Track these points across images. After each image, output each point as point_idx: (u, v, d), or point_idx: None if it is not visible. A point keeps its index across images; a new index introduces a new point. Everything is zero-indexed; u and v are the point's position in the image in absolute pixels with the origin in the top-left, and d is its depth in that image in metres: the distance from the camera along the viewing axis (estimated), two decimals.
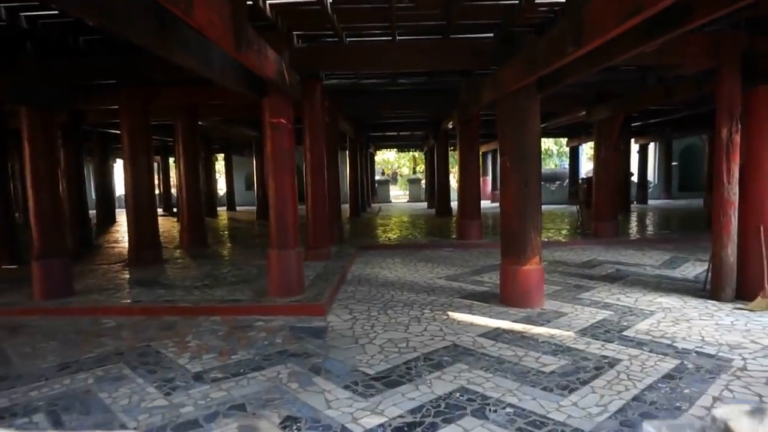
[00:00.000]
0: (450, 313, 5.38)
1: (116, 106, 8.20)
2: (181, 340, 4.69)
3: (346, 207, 16.74)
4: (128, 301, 5.82)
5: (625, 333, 4.62)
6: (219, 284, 6.62)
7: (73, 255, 9.59)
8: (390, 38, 6.28)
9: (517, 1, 5.08)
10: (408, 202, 26.29)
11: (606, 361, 3.97)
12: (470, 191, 10.36)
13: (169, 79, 7.51)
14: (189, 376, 3.87)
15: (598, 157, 10.12)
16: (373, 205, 23.28)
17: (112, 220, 15.97)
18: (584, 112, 10.67)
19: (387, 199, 27.00)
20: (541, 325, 4.92)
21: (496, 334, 4.67)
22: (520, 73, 4.80)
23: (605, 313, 5.26)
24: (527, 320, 5.07)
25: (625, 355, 4.07)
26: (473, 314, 5.33)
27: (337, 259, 8.27)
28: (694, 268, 7.35)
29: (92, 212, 17.02)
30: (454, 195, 17.43)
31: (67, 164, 10.68)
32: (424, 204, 22.55)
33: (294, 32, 6.08)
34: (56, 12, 5.15)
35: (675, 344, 4.29)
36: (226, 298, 5.84)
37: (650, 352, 4.14)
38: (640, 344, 4.31)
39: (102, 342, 4.70)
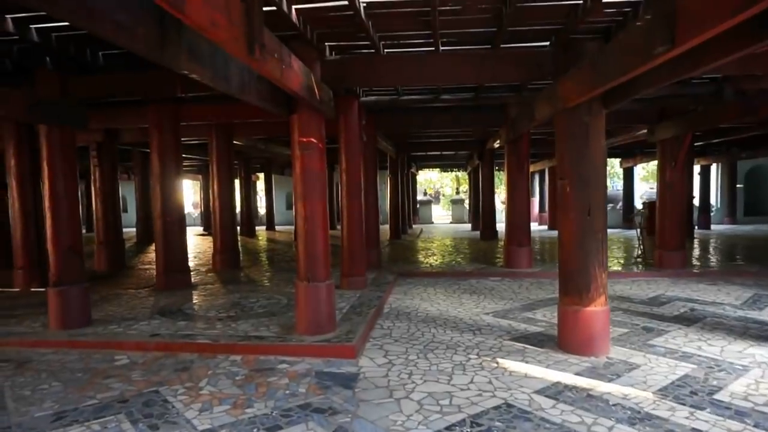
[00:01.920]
0: (500, 361, 4.65)
1: (146, 125, 7.90)
2: (194, 386, 4.15)
3: (386, 228, 16.18)
4: (145, 335, 5.35)
5: (717, 396, 3.77)
6: (245, 316, 6.10)
7: (104, 276, 9.40)
8: (432, 48, 5.69)
9: (580, 1, 4.40)
10: (451, 223, 25.51)
11: None
12: (519, 215, 9.58)
13: (198, 95, 7.14)
14: None
15: (662, 180, 9.16)
16: (414, 226, 22.65)
17: (151, 240, 15.89)
18: (646, 131, 9.76)
19: (429, 220, 26.32)
20: (610, 380, 4.13)
21: (556, 391, 3.92)
22: (584, 84, 4.10)
23: (687, 366, 4.42)
24: (592, 373, 4.29)
25: (724, 430, 3.26)
26: (527, 362, 4.59)
27: (373, 287, 7.66)
28: None
29: (132, 230, 17.17)
30: (499, 217, 16.66)
31: (102, 183, 10.56)
32: (468, 226, 21.75)
33: (326, 43, 5.58)
34: (68, 24, 4.80)
35: None
36: (249, 333, 5.30)
37: (755, 427, 3.29)
38: (740, 414, 3.47)
39: (108, 385, 4.21)
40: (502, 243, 13.23)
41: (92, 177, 10.97)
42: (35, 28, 5.04)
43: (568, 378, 4.19)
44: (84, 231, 19.38)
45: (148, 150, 9.41)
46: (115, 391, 4.09)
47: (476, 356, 4.78)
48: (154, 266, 8.50)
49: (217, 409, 3.70)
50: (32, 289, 8.15)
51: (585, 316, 4.72)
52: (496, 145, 11.29)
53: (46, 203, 5.64)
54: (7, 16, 4.72)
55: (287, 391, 4.01)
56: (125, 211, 23.65)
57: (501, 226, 15.85)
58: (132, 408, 3.75)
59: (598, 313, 4.72)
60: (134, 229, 16.90)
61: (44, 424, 3.53)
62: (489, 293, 7.72)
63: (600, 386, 4.00)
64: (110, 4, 2.50)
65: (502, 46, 5.50)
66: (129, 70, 6.22)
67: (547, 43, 5.54)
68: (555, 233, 16.93)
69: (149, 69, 6.17)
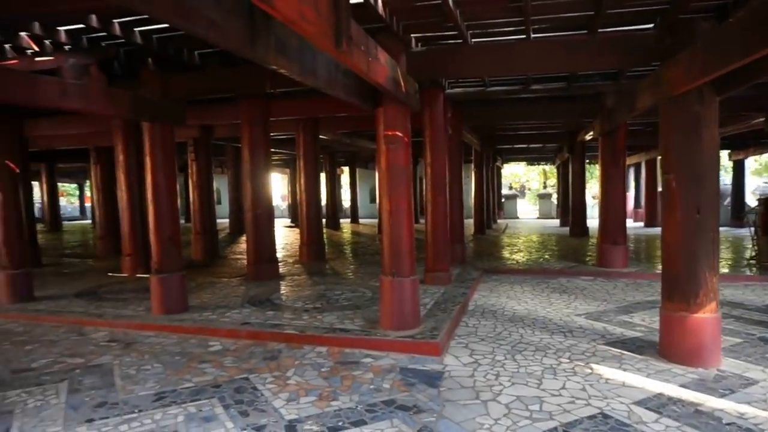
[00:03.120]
0: (594, 366, 4.36)
1: (238, 121, 8.22)
2: (281, 375, 4.25)
3: (469, 223, 15.90)
4: (236, 322, 5.57)
5: None
6: (330, 308, 6.19)
7: (200, 265, 9.95)
8: (523, 36, 5.42)
9: None
10: (537, 218, 24.66)
11: None
12: (614, 211, 9.00)
13: (287, 91, 7.31)
14: (282, 425, 3.37)
15: None
16: (499, 221, 22.12)
17: (242, 231, 16.65)
18: (763, 119, 8.82)
19: (514, 215, 25.60)
20: (723, 395, 3.73)
21: (659, 404, 3.60)
22: (695, 68, 3.72)
23: None
24: (701, 386, 3.90)
25: None
26: (625, 370, 4.26)
27: (457, 283, 7.52)
28: None
29: (225, 221, 18.08)
30: (590, 212, 15.85)
31: (198, 177, 11.16)
32: (556, 222, 20.90)
33: (411, 35, 5.48)
34: (167, 26, 5.06)
35: None
36: (335, 326, 5.36)
37: None
38: None
39: (202, 369, 4.41)
40: (593, 240, 12.58)
41: (189, 171, 11.64)
42: (139, 31, 5.36)
43: (672, 390, 3.84)
44: (183, 222, 20.71)
45: (240, 144, 9.84)
46: (209, 375, 4.27)
47: (568, 360, 4.53)
48: (245, 256, 8.87)
49: (303, 400, 3.76)
50: (137, 275, 8.78)
51: (692, 323, 4.31)
52: (589, 137, 10.71)
53: (149, 195, 6.02)
54: (114, 20, 5.05)
55: (372, 386, 4.00)
56: (219, 203, 25.01)
57: (592, 222, 15.14)
58: (224, 393, 3.89)
59: (707, 320, 4.30)
60: (227, 221, 17.78)
61: (147, 403, 3.75)
62: (580, 293, 7.32)
63: (710, 401, 3.64)
64: (204, 3, 2.56)
65: (600, 30, 5.14)
66: (222, 68, 6.48)
67: (651, 26, 5.11)
68: (652, 231, 15.92)
69: (241, 66, 6.41)
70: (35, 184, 22.43)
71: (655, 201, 17.98)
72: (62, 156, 17.98)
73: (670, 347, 4.48)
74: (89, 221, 27.75)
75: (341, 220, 21.33)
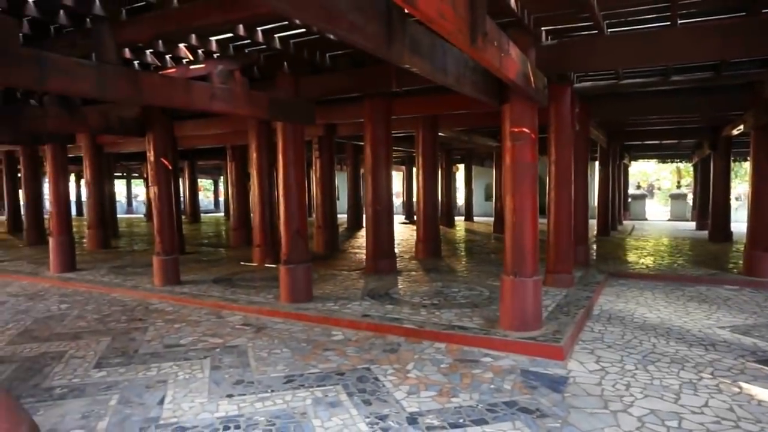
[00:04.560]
0: (744, 385, 3.94)
1: (361, 119, 8.48)
2: (401, 368, 4.34)
3: (593, 223, 15.05)
4: (357, 314, 5.77)
5: None
6: (447, 305, 6.19)
7: (322, 257, 10.43)
8: (668, 23, 5.01)
9: None
10: (669, 220, 22.71)
11: None
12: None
13: (408, 89, 7.41)
14: (403, 416, 3.44)
15: None
16: (625, 222, 20.69)
17: (360, 226, 17.21)
18: None
19: (642, 216, 23.80)
20: None
21: None
22: None
23: None
24: None
25: None
26: None
27: (581, 286, 7.16)
28: None
29: (343, 216, 18.77)
30: (733, 215, 14.28)
31: (321, 173, 11.70)
32: (691, 225, 19.09)
33: (542, 27, 5.29)
34: (304, 30, 5.35)
35: None
36: (453, 323, 5.35)
37: None
38: None
39: (327, 357, 4.63)
40: (738, 246, 11.34)
41: (313, 168, 12.25)
42: (278, 36, 5.74)
43: None
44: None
45: (361, 143, 10.20)
46: (333, 363, 4.47)
47: (710, 376, 4.13)
48: (364, 250, 9.14)
49: (423, 394, 3.80)
50: (266, 265, 9.41)
51: None
52: (737, 131, 9.62)
53: (280, 191, 6.42)
54: (258, 28, 5.45)
55: (492, 386, 3.94)
56: (338, 199, 26.05)
57: (735, 226, 13.61)
58: (348, 381, 4.06)
59: None
60: (345, 216, 18.45)
61: (278, 384, 4.02)
62: (723, 304, 6.63)
63: None
64: (346, 5, 2.67)
65: (763, 11, 4.59)
66: (351, 69, 6.73)
67: None
68: None
69: (367, 67, 6.61)
70: (179, 180, 24.96)
71: None
72: (201, 154, 19.81)
73: None
74: (222, 214, 30.23)
75: (456, 218, 21.22)
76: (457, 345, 4.89)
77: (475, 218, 22.51)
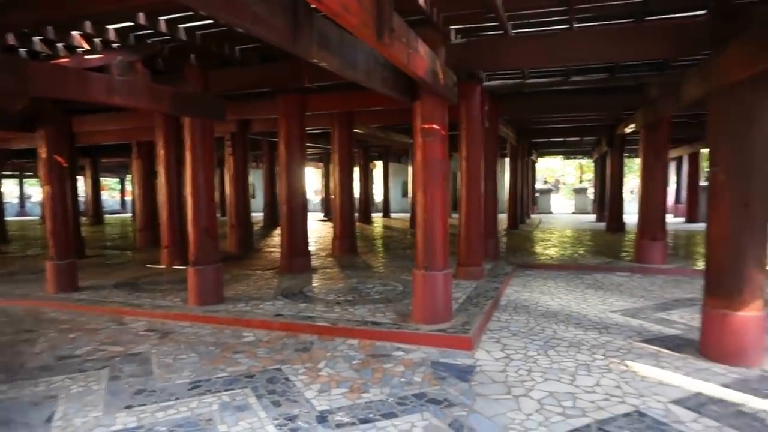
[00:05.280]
0: (630, 363, 4.25)
1: (275, 115, 8.30)
2: (313, 366, 4.28)
3: (503, 217, 15.72)
4: (270, 314, 5.64)
5: None
6: (362, 301, 6.21)
7: (235, 257, 10.12)
8: (567, 26, 5.30)
9: None
10: (573, 213, 24.20)
11: None
12: (654, 206, 8.73)
13: (323, 85, 7.33)
14: (313, 415, 3.39)
15: None
16: (533, 216, 21.79)
17: (276, 224, 16.87)
18: None
19: (548, 210, 25.21)
20: (767, 396, 3.60)
21: (698, 403, 3.49)
22: (752, 56, 3.55)
23: None
24: (743, 386, 3.76)
25: None
26: (662, 368, 4.15)
27: (490, 278, 7.44)
28: None
29: (259, 215, 18.35)
30: (627, 207, 15.45)
31: (234, 171, 11.34)
32: (591, 217, 20.48)
33: (451, 26, 5.42)
34: (211, 22, 5.14)
35: None
36: (366, 319, 5.37)
37: None
38: None
39: (236, 360, 4.48)
40: (630, 236, 12.26)
41: (226, 165, 11.84)
42: (183, 27, 5.46)
43: (712, 389, 3.72)
44: (219, 215, 21.13)
45: (276, 139, 9.97)
46: (242, 366, 4.33)
47: (603, 357, 4.42)
48: (279, 249, 8.97)
49: (334, 391, 3.78)
50: (175, 267, 8.99)
51: (736, 322, 4.16)
52: (630, 129, 10.40)
53: (188, 189, 6.13)
54: (160, 17, 5.16)
55: (402, 379, 3.99)
56: (253, 197, 25.42)
57: (629, 217, 14.74)
58: (257, 383, 3.94)
59: (752, 318, 4.14)
60: (261, 214, 18.04)
61: (183, 391, 3.83)
62: (616, 289, 7.14)
63: (753, 402, 3.50)
64: None
65: (647, 18, 4.98)
66: (262, 64, 6.54)
67: (702, 12, 4.91)
68: (693, 226, 15.41)
69: (279, 61, 6.46)
70: (80, 179, 23.24)
71: (697, 196, 17.41)
72: (105, 151, 18.56)
73: (711, 346, 4.34)
74: (129, 214, 28.57)
75: (373, 215, 21.38)
76: (370, 340, 4.90)
77: (393, 214, 22.83)
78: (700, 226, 4.83)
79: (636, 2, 4.76)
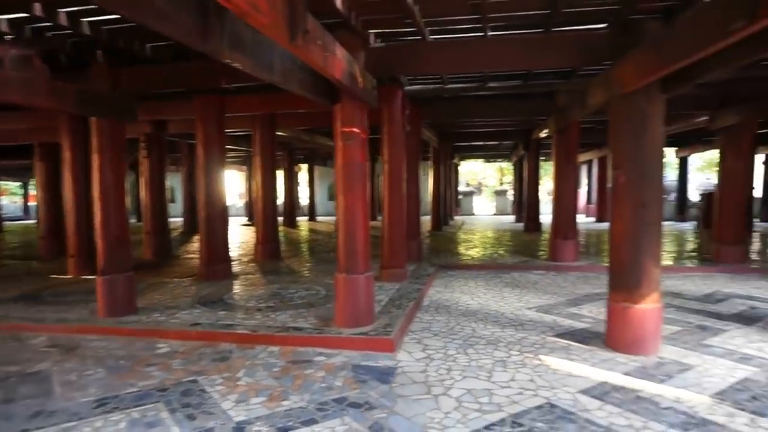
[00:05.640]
0: (543, 357, 4.45)
1: (193, 116, 7.98)
2: (231, 376, 4.15)
3: (427, 219, 16.01)
4: (186, 323, 5.41)
5: None
6: (283, 306, 6.09)
7: (151, 265, 9.63)
8: (481, 34, 5.47)
9: None
10: (494, 215, 25.09)
11: None
12: (566, 208, 9.24)
13: (244, 86, 7.12)
14: (230, 427, 3.28)
15: (723, 170, 8.63)
16: (456, 217, 22.37)
17: (197, 230, 16.24)
18: (706, 118, 9.21)
19: (471, 212, 25.99)
20: (662, 381, 3.89)
21: (602, 392, 3.71)
22: (644, 67, 3.83)
23: (747, 369, 4.11)
24: (642, 373, 4.05)
25: None
26: (572, 360, 4.38)
27: (413, 279, 7.54)
28: None
29: (180, 220, 17.60)
30: (544, 208, 16.22)
31: (150, 174, 10.81)
32: (511, 218, 21.31)
33: (370, 30, 5.45)
34: (118, 17, 4.86)
35: None
36: (287, 325, 5.27)
37: None
38: None
39: (149, 373, 4.25)
40: (546, 235, 12.88)
41: (141, 168, 11.25)
42: (87, 21, 5.12)
43: (615, 378, 3.97)
44: (134, 221, 20.05)
45: (194, 141, 9.58)
46: (155, 379, 4.12)
47: (518, 352, 4.60)
48: (198, 256, 8.64)
49: (253, 401, 3.67)
50: (83, 277, 8.42)
51: (635, 314, 4.47)
52: (544, 134, 10.93)
53: (95, 194, 5.76)
54: (60, 10, 4.81)
55: (323, 384, 3.95)
56: (173, 201, 24.36)
57: (545, 217, 15.50)
58: (171, 397, 3.76)
59: (650, 311, 4.46)
60: (182, 219, 17.31)
61: (87, 410, 3.58)
62: (532, 287, 7.47)
63: (650, 387, 3.77)
64: None
65: (554, 30, 5.24)
66: (176, 62, 6.27)
67: (603, 26, 5.24)
68: (602, 225, 16.40)
69: (195, 60, 6.22)
70: None
71: (606, 197, 18.58)
72: (5, 153, 17.08)
73: (615, 337, 4.63)
74: (34, 221, 26.51)
75: (299, 218, 21.12)
76: (291, 347, 4.82)
77: (319, 218, 22.68)
78: (609, 225, 5.20)
79: (544, 14, 5.00)
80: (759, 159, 17.40)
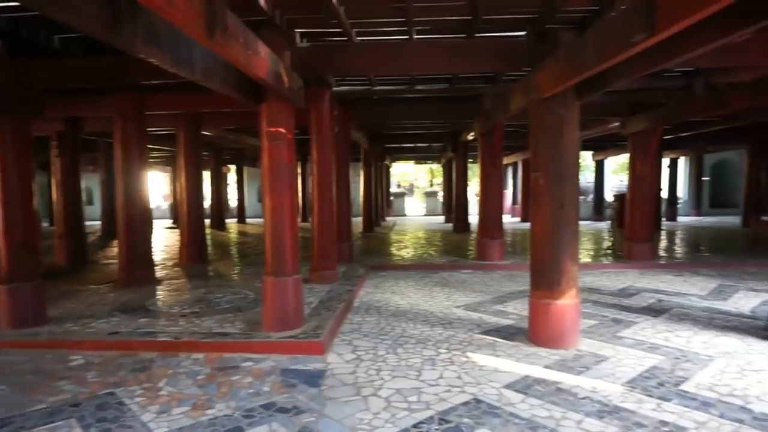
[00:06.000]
0: (470, 354, 4.57)
1: (110, 114, 7.56)
2: (152, 386, 3.96)
3: (358, 221, 16.04)
4: (103, 333, 5.11)
5: (683, 387, 3.77)
6: (209, 312, 5.90)
7: (64, 271, 9.04)
8: (407, 37, 5.55)
9: None
10: (425, 215, 25.52)
11: (666, 429, 3.14)
12: (492, 209, 9.55)
13: (165, 83, 6.82)
14: None
15: (633, 173, 9.24)
16: (387, 218, 22.55)
17: (117, 233, 15.40)
18: (617, 124, 9.82)
19: (402, 213, 26.28)
20: (580, 373, 4.10)
21: (525, 385, 3.86)
22: (559, 74, 4.02)
23: (654, 357, 4.42)
24: (562, 366, 4.25)
25: (690, 421, 3.24)
26: (497, 356, 4.52)
27: (344, 280, 7.52)
28: (748, 300, 6.44)
29: (98, 223, 16.63)
30: (472, 209, 16.68)
31: (62, 174, 10.13)
32: (441, 218, 21.76)
33: (296, 30, 5.38)
34: (18, 4, 4.51)
35: (749, 406, 3.44)
36: (213, 330, 5.10)
37: (720, 417, 3.29)
38: (705, 405, 3.46)
39: (60, 387, 3.98)
40: (474, 235, 13.24)
41: (52, 168, 10.51)
42: None
43: (537, 371, 4.14)
44: (47, 224, 18.72)
45: (112, 140, 9.07)
46: (67, 394, 3.86)
47: (446, 350, 4.70)
48: (117, 261, 8.19)
49: (175, 411, 3.53)
50: None
51: (555, 310, 4.69)
52: (470, 137, 11.25)
53: None
54: None
55: (251, 391, 3.85)
56: (90, 203, 22.97)
57: (474, 218, 15.94)
58: (84, 412, 3.54)
59: (568, 306, 4.69)
60: (100, 222, 16.35)
61: None
62: (461, 286, 7.66)
63: (569, 379, 3.97)
64: None
65: (476, 35, 5.40)
66: (90, 56, 5.91)
67: (523, 33, 5.45)
68: (527, 225, 17.03)
69: (111, 54, 5.88)
70: None
71: (530, 198, 19.36)
72: None
73: (537, 332, 4.83)
74: None
75: (228, 220, 20.54)
76: (217, 353, 4.67)
77: (249, 220, 22.16)
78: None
79: (466, 20, 5.14)
80: (665, 163, 18.77)
